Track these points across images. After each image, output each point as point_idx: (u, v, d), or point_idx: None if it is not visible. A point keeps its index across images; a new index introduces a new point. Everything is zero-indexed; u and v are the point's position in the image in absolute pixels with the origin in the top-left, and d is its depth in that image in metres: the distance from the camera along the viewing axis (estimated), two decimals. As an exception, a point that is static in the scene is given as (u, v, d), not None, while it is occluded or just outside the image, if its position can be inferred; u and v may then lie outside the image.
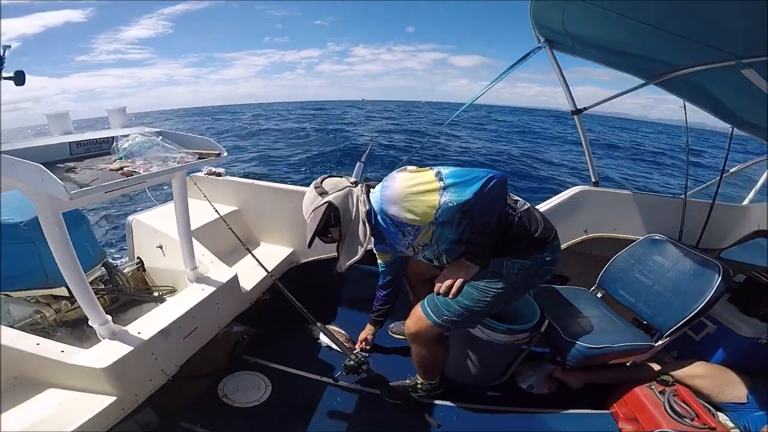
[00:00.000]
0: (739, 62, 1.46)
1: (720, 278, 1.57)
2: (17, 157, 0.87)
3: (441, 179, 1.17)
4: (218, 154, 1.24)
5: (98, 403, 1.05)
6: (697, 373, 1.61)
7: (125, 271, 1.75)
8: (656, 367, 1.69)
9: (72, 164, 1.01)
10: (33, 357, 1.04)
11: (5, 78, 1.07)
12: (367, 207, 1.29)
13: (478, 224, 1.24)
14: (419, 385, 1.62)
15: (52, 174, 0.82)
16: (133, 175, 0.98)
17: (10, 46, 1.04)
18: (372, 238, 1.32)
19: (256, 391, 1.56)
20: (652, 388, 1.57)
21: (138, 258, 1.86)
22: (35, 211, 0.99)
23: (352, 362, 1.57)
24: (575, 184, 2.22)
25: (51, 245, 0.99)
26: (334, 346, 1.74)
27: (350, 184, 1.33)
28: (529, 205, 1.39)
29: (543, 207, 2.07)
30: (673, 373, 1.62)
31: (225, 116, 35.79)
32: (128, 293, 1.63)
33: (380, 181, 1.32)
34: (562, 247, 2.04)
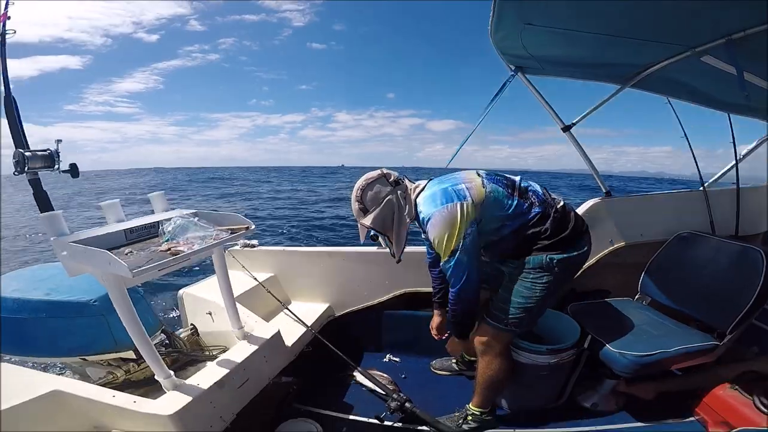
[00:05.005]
0: (693, 51, 1.52)
1: (766, 264, 1.49)
2: (86, 245, 1.06)
3: (454, 254, 1.33)
4: (247, 228, 1.41)
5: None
6: None
7: (182, 336, 1.92)
8: (738, 365, 1.57)
9: (128, 249, 1.20)
10: (110, 407, 1.18)
11: (63, 171, 1.27)
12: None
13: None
14: (470, 417, 1.58)
15: (117, 258, 1.00)
16: (179, 254, 1.15)
17: (61, 140, 1.23)
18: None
19: (309, 436, 1.60)
20: (736, 388, 1.47)
21: (191, 324, 2.04)
22: (103, 290, 1.19)
23: (396, 402, 1.59)
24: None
25: (120, 315, 1.16)
26: (378, 389, 1.76)
27: (390, 189, 1.42)
28: (563, 201, 1.45)
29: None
30: (757, 369, 1.50)
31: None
32: (186, 354, 1.78)
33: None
34: (592, 261, 2.00)
